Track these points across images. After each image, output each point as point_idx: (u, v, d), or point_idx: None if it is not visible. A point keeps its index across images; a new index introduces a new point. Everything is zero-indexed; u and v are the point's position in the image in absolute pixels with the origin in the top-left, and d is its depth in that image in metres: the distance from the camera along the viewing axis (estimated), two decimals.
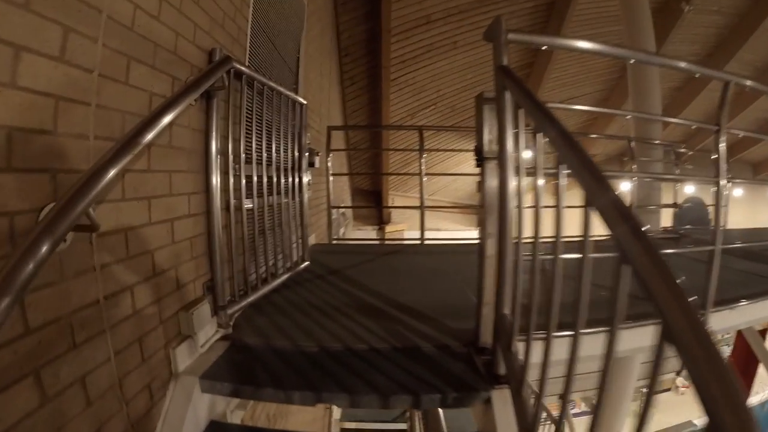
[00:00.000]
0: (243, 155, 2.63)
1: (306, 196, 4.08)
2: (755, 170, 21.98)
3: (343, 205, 9.60)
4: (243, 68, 2.56)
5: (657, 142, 6.73)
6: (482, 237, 2.23)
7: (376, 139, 11.46)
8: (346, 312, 2.94)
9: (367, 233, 12.72)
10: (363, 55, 9.46)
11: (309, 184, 4.25)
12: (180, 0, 2.01)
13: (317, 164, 4.40)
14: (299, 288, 3.50)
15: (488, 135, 2.16)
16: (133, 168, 1.73)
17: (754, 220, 16.13)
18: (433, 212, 12.49)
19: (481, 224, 2.23)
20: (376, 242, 7.09)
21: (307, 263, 3.94)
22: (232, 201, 2.51)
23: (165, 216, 2.00)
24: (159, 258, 1.95)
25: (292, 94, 3.69)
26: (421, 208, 5.74)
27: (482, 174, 2.18)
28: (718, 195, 2.88)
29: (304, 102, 3.92)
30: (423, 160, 5.79)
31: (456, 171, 14.33)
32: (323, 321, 2.78)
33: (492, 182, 2.14)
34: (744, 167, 21.45)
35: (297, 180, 3.89)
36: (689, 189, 12.25)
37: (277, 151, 3.39)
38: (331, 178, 5.76)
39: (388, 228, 13.14)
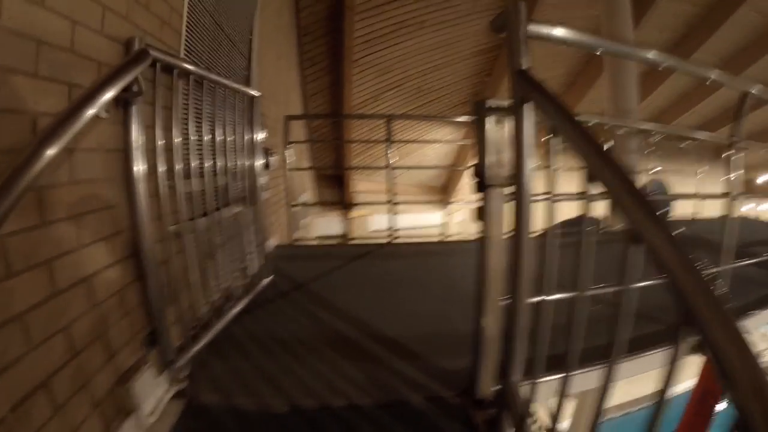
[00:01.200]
0: (179, 167, 2.12)
1: (262, 200, 3.58)
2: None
3: (303, 196, 9.08)
4: (172, 60, 2.04)
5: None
6: (483, 273, 1.80)
7: (338, 123, 10.87)
8: (318, 348, 2.49)
9: (331, 221, 12.20)
10: (324, 34, 8.80)
11: (265, 187, 3.75)
12: None
13: (273, 165, 3.88)
14: (261, 312, 3.01)
15: (493, 155, 1.69)
16: (15, 229, 1.20)
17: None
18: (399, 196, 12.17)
19: (482, 258, 1.79)
20: (341, 243, 6.54)
21: (269, 278, 3.47)
22: (170, 228, 2.01)
23: (77, 276, 1.48)
24: (78, 332, 1.45)
25: (241, 87, 3.18)
26: (390, 203, 5.29)
27: (485, 201, 1.72)
28: (729, 211, 2.86)
29: (257, 94, 3.40)
30: (389, 152, 5.30)
31: (422, 156, 14.02)
32: (292, 364, 2.31)
33: (496, 212, 1.70)
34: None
35: (250, 184, 3.40)
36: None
37: (224, 154, 2.89)
38: (289, 173, 5.25)
39: (353, 214, 12.68)
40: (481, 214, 1.75)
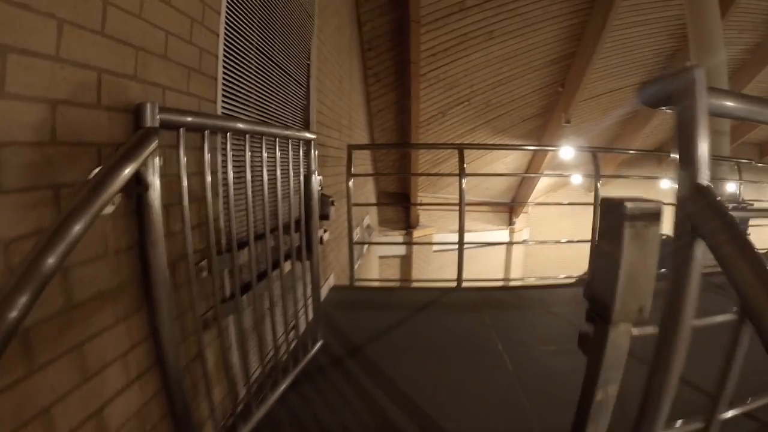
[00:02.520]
0: (214, 243, 1.77)
1: (318, 257, 3.21)
2: (762, 151, 20.75)
3: (366, 219, 8.71)
4: (198, 120, 1.71)
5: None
6: None
7: (403, 138, 10.40)
8: None
9: (394, 238, 11.81)
10: (389, 48, 8.44)
11: (322, 241, 3.39)
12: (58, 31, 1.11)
13: (332, 215, 3.52)
14: (310, 389, 2.62)
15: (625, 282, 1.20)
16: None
17: None
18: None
19: None
20: (403, 286, 6.10)
21: (320, 343, 3.10)
22: (201, 316, 1.67)
23: (85, 412, 1.18)
24: None
25: (294, 133, 2.80)
26: (460, 245, 4.86)
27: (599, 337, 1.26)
28: None
29: (313, 136, 3.03)
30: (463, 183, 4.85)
31: (490, 168, 13.46)
32: None
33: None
34: (750, 148, 20.18)
35: (306, 238, 3.04)
36: None
37: (276, 213, 2.54)
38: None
39: (416, 233, 12.22)
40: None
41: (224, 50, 2.21)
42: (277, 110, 3.22)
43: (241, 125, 2.14)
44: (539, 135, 13.25)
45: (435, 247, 12.68)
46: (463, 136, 11.58)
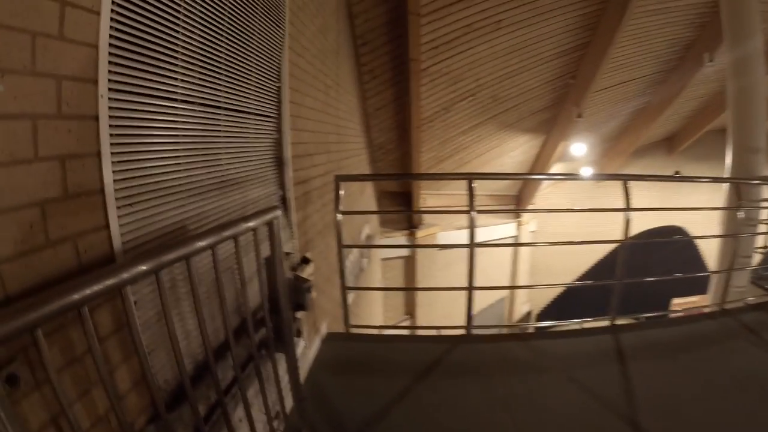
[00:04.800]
0: None
1: (294, 350, 2.46)
2: None
3: (365, 229, 7.90)
4: None
5: None
6: None
7: (405, 139, 9.55)
8: None
9: (396, 240, 11.03)
10: (385, 42, 7.53)
11: (299, 333, 2.64)
12: None
13: (304, 334, 2.78)
14: None
15: None
16: None
17: None
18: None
19: None
20: (407, 335, 5.28)
21: None
22: None
23: None
24: None
25: (237, 228, 1.99)
26: (470, 288, 4.09)
27: None
28: None
29: (273, 215, 2.26)
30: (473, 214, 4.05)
31: (497, 163, 12.79)
32: None
33: None
34: None
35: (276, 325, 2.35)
36: None
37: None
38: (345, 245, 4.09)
39: (420, 233, 11.44)
40: None
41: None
42: (229, 170, 2.43)
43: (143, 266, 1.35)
44: (548, 128, 12.52)
45: (441, 243, 12.01)
46: (468, 132, 10.76)
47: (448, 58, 8.31)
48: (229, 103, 2.39)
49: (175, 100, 1.89)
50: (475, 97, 9.75)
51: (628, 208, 4.23)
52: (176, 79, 1.88)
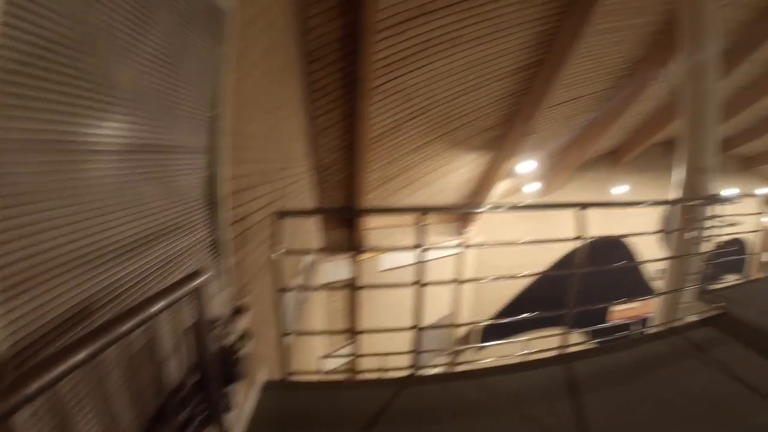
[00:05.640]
0: None
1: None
2: (746, 164, 22.29)
3: (309, 256, 7.45)
4: None
5: None
6: None
7: (351, 160, 9.08)
8: None
9: (338, 266, 10.56)
10: (338, 58, 7.10)
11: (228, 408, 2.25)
12: None
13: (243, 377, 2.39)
14: None
15: None
16: None
17: None
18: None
19: None
20: (349, 382, 4.88)
21: None
22: None
23: None
24: None
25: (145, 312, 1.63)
26: (416, 328, 3.78)
27: None
28: None
29: (199, 281, 1.88)
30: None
31: (445, 181, 12.64)
32: None
33: None
34: (736, 161, 21.74)
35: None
36: None
37: None
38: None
39: (363, 256, 11.04)
40: None
41: None
42: (149, 223, 2.02)
43: None
44: (498, 145, 12.41)
45: (383, 267, 11.65)
46: (417, 150, 10.49)
47: (402, 75, 8.04)
48: (148, 144, 1.99)
49: (76, 150, 1.50)
50: (427, 115, 9.51)
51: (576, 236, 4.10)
52: (76, 123, 1.49)
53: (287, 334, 3.89)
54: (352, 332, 10.81)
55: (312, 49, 6.72)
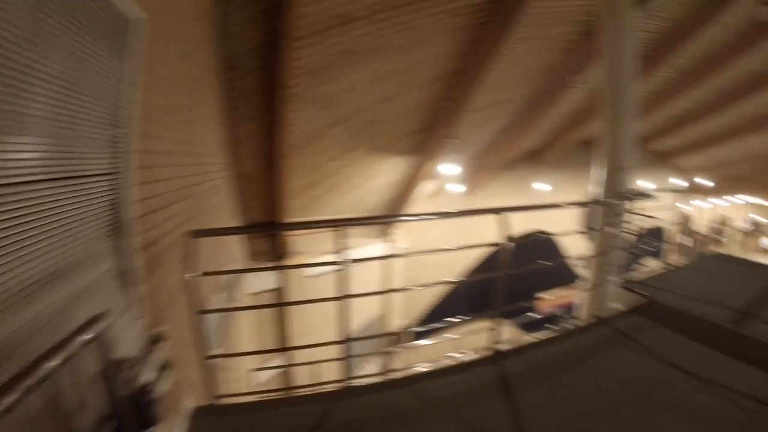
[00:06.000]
0: None
1: None
2: (662, 159, 24.46)
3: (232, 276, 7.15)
4: None
5: None
6: None
7: (272, 168, 8.76)
8: None
9: (263, 275, 10.20)
10: (259, 66, 6.85)
11: None
12: None
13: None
14: None
15: None
16: None
17: None
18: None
19: None
20: (281, 400, 4.61)
21: None
22: None
23: None
24: None
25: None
26: (345, 341, 3.68)
27: None
28: None
29: (102, 327, 1.71)
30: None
31: (371, 185, 12.62)
32: None
33: None
34: (653, 157, 23.87)
35: None
36: None
37: None
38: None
39: (289, 262, 10.77)
40: None
41: None
42: (40, 265, 1.81)
43: None
44: (422, 150, 12.55)
45: (307, 273, 11.39)
46: (340, 157, 10.38)
47: (324, 83, 7.93)
48: (41, 172, 1.79)
49: None
50: (349, 121, 9.44)
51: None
52: None
53: (211, 357, 3.69)
54: (281, 349, 10.57)
55: (232, 55, 6.49)
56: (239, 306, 6.72)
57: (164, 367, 2.82)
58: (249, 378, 7.01)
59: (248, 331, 8.77)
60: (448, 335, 11.89)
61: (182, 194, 4.00)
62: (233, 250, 7.75)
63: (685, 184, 25.16)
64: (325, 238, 12.25)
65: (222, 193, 6.69)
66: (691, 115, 18.83)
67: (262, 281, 10.08)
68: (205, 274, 3.42)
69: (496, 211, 4.24)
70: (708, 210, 29.10)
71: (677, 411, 3.29)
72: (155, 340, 2.93)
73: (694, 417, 3.24)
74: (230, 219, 7.51)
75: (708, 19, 11.23)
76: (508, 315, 5.09)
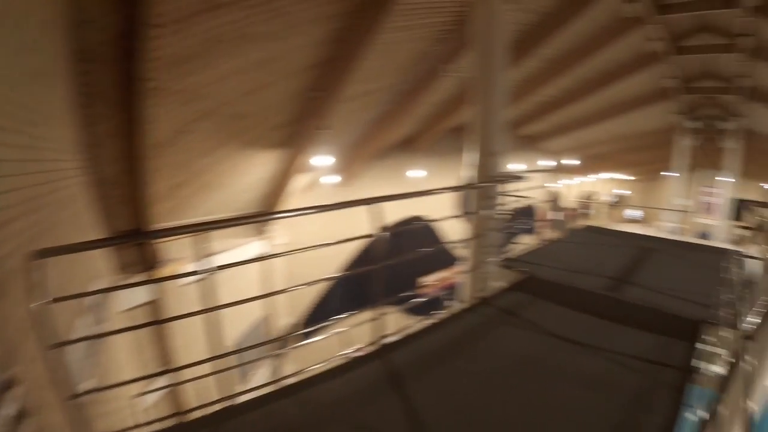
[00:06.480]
0: None
1: None
2: (531, 142, 26.95)
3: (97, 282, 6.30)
4: None
5: None
6: None
7: (135, 169, 7.86)
8: None
9: (134, 289, 9.18)
10: (118, 58, 6.06)
11: None
12: None
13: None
14: None
15: None
16: None
17: None
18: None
19: None
20: (172, 425, 4.08)
21: None
22: None
23: None
24: None
25: None
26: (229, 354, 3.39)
27: None
28: None
29: None
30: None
31: (242, 178, 12.15)
32: None
33: None
34: (523, 141, 25.85)
35: None
36: None
37: None
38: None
39: (161, 272, 9.89)
40: None
41: None
42: None
43: None
44: (294, 142, 12.34)
45: (180, 282, 10.59)
46: (210, 153, 9.75)
47: (188, 74, 7.31)
48: None
49: None
50: (216, 115, 8.89)
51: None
52: None
53: (78, 395, 3.17)
54: (157, 374, 9.71)
55: (86, 47, 5.64)
56: (104, 331, 5.95)
57: (20, 416, 2.36)
58: (133, 405, 6.32)
59: (126, 352, 7.94)
60: (336, 330, 11.69)
61: (26, 208, 3.39)
62: (97, 265, 6.92)
63: (553, 164, 27.88)
64: (200, 240, 11.53)
65: (79, 202, 5.88)
66: (558, 101, 20.57)
67: (135, 296, 9.13)
68: (56, 300, 2.86)
69: (367, 201, 4.14)
70: (575, 187, 32.80)
71: (572, 379, 3.41)
72: (5, 388, 2.44)
73: (588, 382, 3.36)
74: (91, 231, 6.64)
75: (576, 13, 12.15)
76: (394, 302, 5.02)
